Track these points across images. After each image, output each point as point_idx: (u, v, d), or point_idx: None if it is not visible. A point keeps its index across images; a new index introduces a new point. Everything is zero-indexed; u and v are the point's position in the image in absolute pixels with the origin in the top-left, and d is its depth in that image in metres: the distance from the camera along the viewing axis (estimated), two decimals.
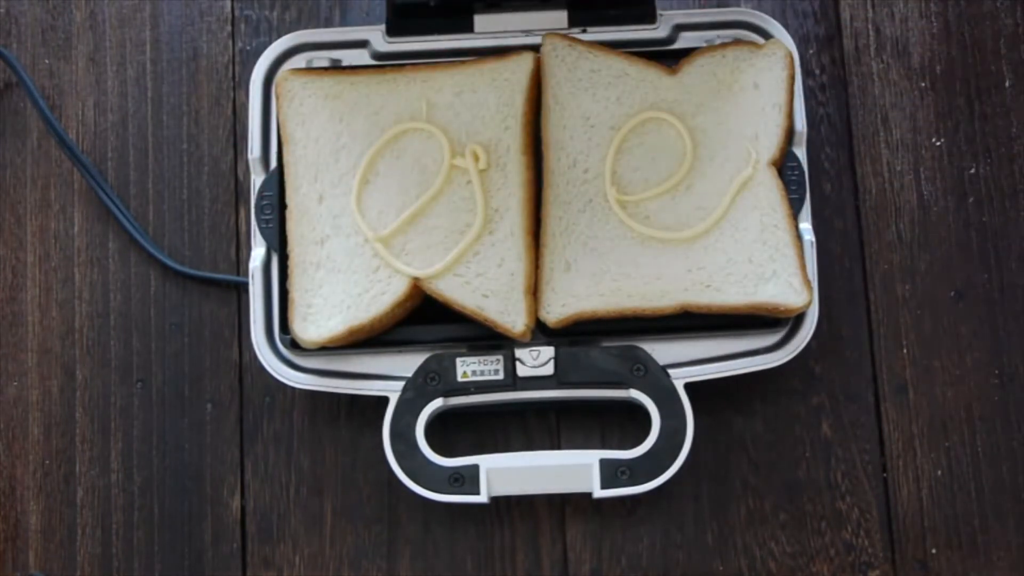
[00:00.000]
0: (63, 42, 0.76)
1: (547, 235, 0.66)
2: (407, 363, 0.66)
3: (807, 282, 0.64)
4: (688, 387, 0.65)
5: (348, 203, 0.66)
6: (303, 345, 0.65)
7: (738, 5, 0.74)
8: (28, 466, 0.71)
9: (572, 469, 0.65)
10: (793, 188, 0.66)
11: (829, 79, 0.74)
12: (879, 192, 0.72)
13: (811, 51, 0.74)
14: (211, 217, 0.73)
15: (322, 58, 0.70)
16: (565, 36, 0.68)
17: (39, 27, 0.76)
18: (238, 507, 0.70)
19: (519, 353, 0.66)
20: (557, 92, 0.68)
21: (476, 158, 0.66)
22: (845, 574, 0.68)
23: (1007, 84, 0.73)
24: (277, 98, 0.68)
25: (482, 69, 0.68)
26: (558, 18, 0.70)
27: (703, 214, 0.66)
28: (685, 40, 0.70)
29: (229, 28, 0.76)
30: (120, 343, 0.72)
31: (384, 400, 0.66)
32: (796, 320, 0.66)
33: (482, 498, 0.65)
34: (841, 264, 0.71)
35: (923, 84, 0.73)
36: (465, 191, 0.66)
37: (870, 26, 0.74)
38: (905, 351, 0.70)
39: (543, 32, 0.69)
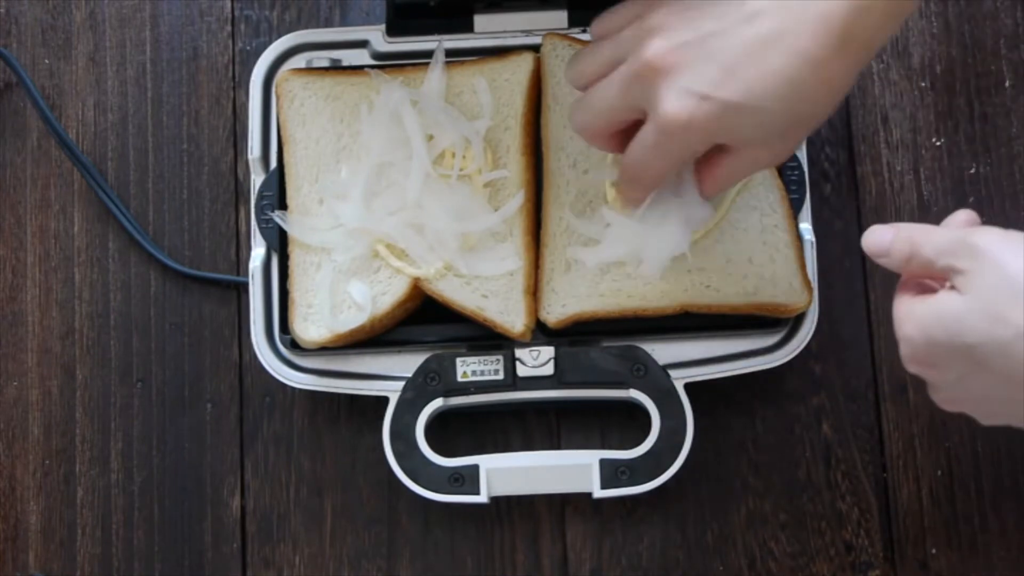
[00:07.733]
0: (63, 42, 0.76)
1: (547, 235, 0.66)
2: (407, 363, 0.66)
3: (807, 282, 0.64)
4: (688, 387, 0.65)
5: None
6: (303, 345, 0.65)
7: None
8: (28, 466, 0.71)
9: (572, 469, 0.65)
10: (793, 188, 0.66)
11: None
12: (879, 192, 0.72)
13: None
14: (211, 217, 0.73)
15: (322, 58, 0.70)
16: (565, 36, 0.68)
17: (39, 27, 0.76)
18: (238, 507, 0.70)
19: (519, 353, 0.66)
20: (557, 92, 0.68)
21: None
22: (845, 574, 0.68)
23: (1007, 84, 0.73)
24: (277, 98, 0.68)
25: (482, 69, 0.68)
26: (558, 18, 0.70)
27: None
28: None
29: (229, 28, 0.76)
30: (120, 343, 0.72)
31: (384, 400, 0.66)
32: (796, 320, 0.66)
33: (482, 498, 0.65)
34: (841, 264, 0.71)
35: (923, 84, 0.73)
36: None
37: None
38: None
39: (543, 32, 0.69)
